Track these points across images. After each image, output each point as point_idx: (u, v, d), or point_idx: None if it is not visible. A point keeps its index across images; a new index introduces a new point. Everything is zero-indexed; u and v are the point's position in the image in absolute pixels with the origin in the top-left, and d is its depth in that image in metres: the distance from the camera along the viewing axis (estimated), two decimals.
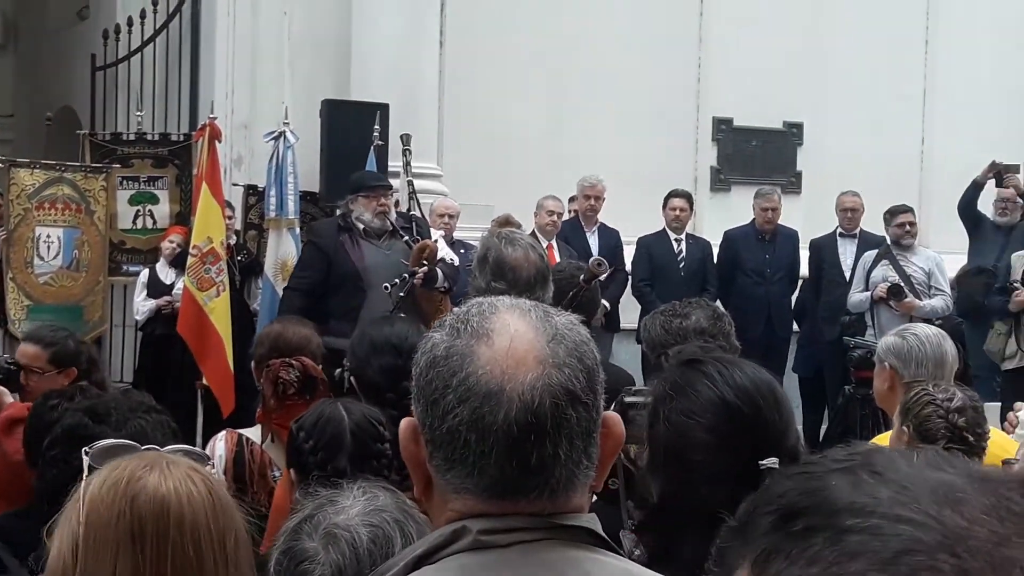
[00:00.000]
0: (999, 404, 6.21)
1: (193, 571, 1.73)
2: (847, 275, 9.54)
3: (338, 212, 7.25)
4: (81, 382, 4.26)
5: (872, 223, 9.75)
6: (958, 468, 0.81)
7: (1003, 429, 4.37)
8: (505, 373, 1.40)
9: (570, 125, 10.57)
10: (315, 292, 7.01)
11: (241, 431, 3.95)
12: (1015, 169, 9.89)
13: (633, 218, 9.74)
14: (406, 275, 6.46)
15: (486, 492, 1.41)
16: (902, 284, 8.92)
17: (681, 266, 9.70)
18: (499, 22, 10.46)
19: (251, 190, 9.63)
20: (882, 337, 4.60)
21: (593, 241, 9.65)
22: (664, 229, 9.79)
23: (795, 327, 10.05)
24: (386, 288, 6.39)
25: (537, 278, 3.68)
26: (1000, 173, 9.72)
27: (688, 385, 2.16)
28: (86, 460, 1.84)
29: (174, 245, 9.07)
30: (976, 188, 9.83)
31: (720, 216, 10.76)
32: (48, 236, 9.03)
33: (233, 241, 9.01)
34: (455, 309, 1.54)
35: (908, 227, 9.20)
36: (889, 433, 3.82)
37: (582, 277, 4.00)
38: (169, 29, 10.31)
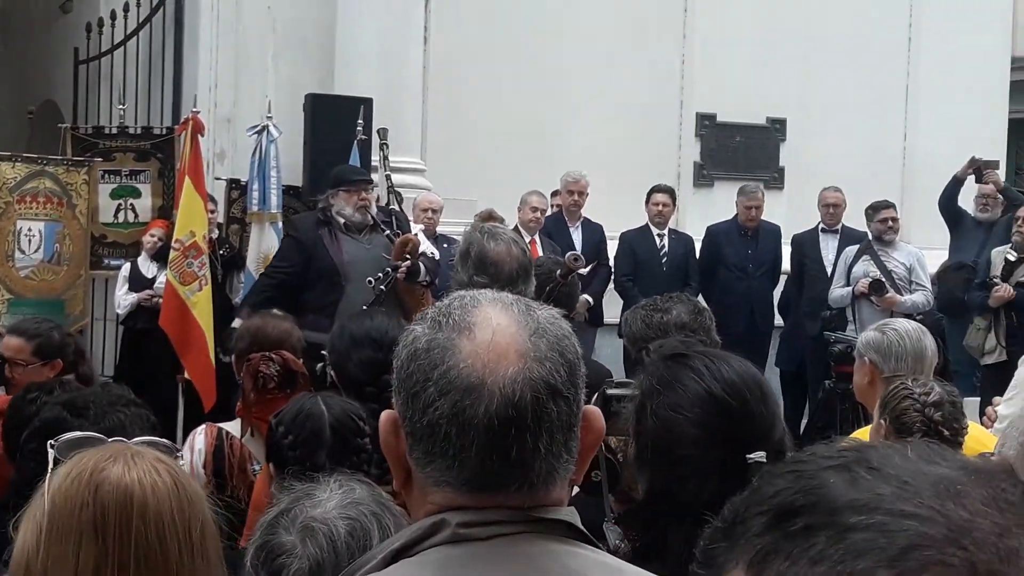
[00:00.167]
0: (978, 399, 6.25)
1: (157, 561, 1.73)
2: (829, 270, 9.58)
3: (318, 206, 7.23)
4: (68, 375, 4.26)
5: (854, 219, 9.79)
6: (951, 461, 0.82)
7: (982, 424, 4.40)
8: (486, 367, 1.40)
9: (554, 120, 10.57)
10: (289, 284, 6.98)
11: (221, 425, 3.94)
12: (995, 165, 9.94)
13: (616, 213, 9.75)
14: (389, 269, 6.45)
15: (466, 485, 1.41)
16: (883, 279, 8.96)
17: (663, 261, 9.72)
18: (483, 17, 10.45)
19: (234, 184, 9.60)
20: (862, 332, 4.62)
21: (576, 236, 9.66)
22: (647, 224, 9.80)
23: (777, 322, 10.08)
24: (370, 282, 6.39)
25: (519, 272, 3.68)
26: (980, 169, 9.76)
27: (675, 379, 2.16)
28: (52, 453, 1.82)
29: (155, 239, 9.04)
30: (956, 184, 9.87)
31: (703, 211, 10.79)
32: (29, 230, 9.00)
33: (215, 235, 8.99)
34: (437, 302, 1.54)
35: (890, 223, 9.23)
36: (869, 427, 3.84)
37: (558, 272, 4.01)
38: (152, 23, 10.27)
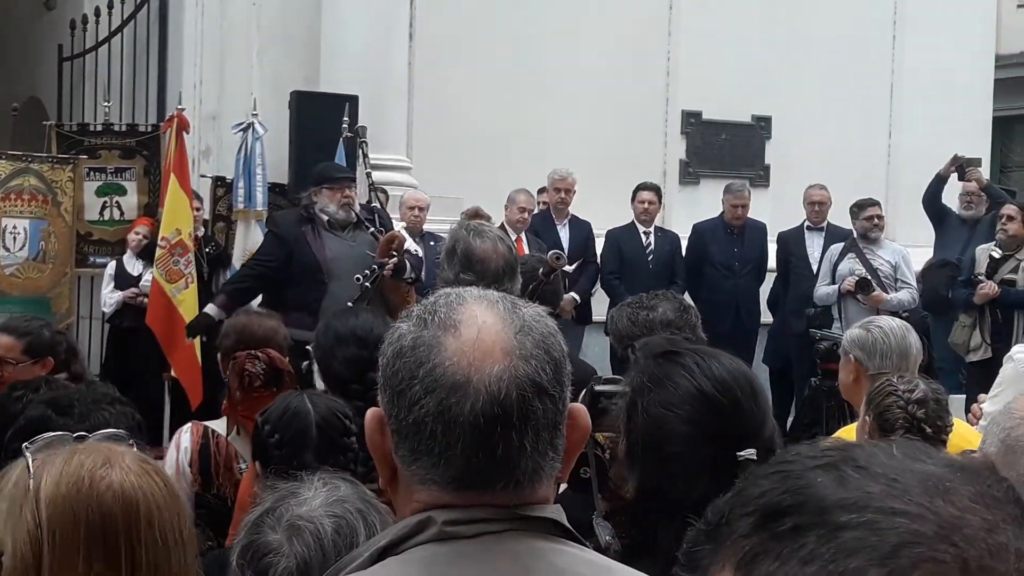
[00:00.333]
0: (964, 396, 6.27)
1: (166, 567, 1.72)
2: (814, 268, 9.60)
3: (301, 204, 7.21)
4: (61, 373, 4.24)
5: (839, 216, 9.81)
6: (936, 459, 0.82)
7: (967, 421, 4.42)
8: (472, 364, 1.40)
9: (540, 118, 10.57)
10: (268, 277, 6.97)
11: (207, 423, 3.93)
12: (976, 163, 9.97)
13: (602, 211, 9.75)
14: (375, 266, 6.45)
15: (452, 483, 1.41)
16: (869, 278, 8.98)
17: (650, 259, 9.73)
18: (469, 15, 10.44)
19: (219, 181, 9.58)
20: (848, 329, 4.63)
21: (564, 234, 9.66)
22: (633, 222, 9.81)
23: (764, 319, 10.10)
24: (358, 279, 6.38)
25: (505, 270, 3.69)
26: (962, 167, 9.81)
27: (666, 377, 2.16)
28: (29, 458, 1.78)
29: (140, 236, 9.02)
30: (939, 182, 9.91)
31: (689, 209, 10.80)
32: (14, 227, 8.97)
33: (201, 233, 8.97)
34: (423, 300, 1.54)
35: (876, 220, 9.25)
36: (854, 425, 3.85)
37: (541, 271, 4.01)
38: (137, 19, 10.23)
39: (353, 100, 8.94)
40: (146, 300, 8.48)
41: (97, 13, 10.14)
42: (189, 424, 4.00)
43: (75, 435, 1.84)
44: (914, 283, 9.22)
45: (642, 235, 9.78)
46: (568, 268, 8.47)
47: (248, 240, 8.60)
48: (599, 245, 9.78)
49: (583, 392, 2.34)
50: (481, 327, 1.43)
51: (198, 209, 8.83)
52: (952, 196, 10.02)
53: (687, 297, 6.70)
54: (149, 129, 9.67)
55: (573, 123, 10.59)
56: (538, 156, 10.06)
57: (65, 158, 9.28)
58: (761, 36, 11.18)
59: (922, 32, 11.86)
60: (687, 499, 1.91)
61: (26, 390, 3.24)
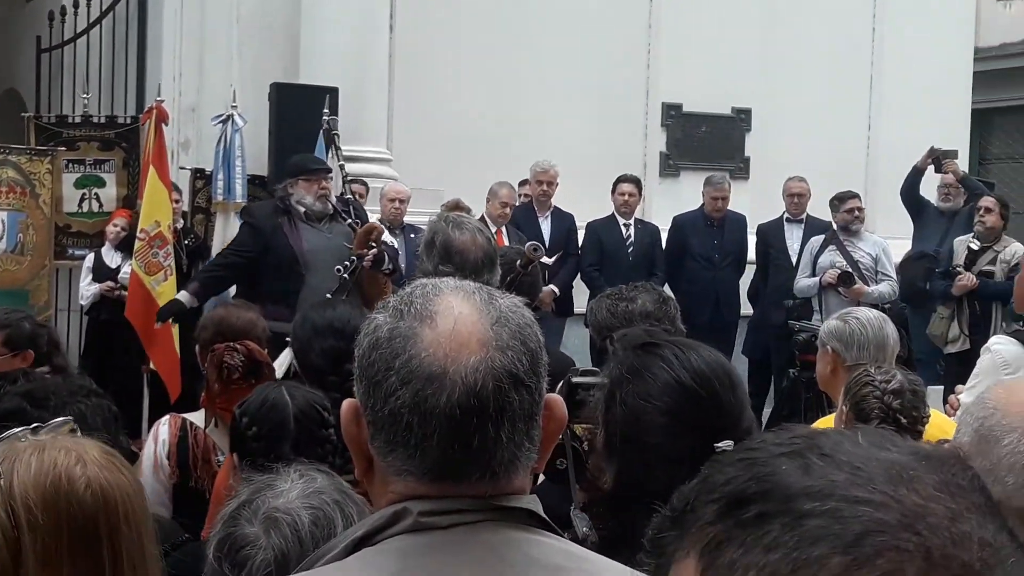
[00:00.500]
0: (942, 387, 6.30)
1: (140, 557, 1.71)
2: (794, 260, 9.63)
3: (276, 195, 7.19)
4: (43, 366, 4.23)
5: (818, 209, 9.84)
6: (901, 447, 0.82)
7: (945, 412, 4.44)
8: (448, 356, 1.40)
9: (520, 110, 10.56)
10: (241, 267, 6.95)
11: (185, 416, 3.92)
12: (953, 154, 10.01)
13: (582, 203, 9.76)
14: (355, 257, 6.43)
15: (428, 474, 1.41)
16: (851, 271, 9.00)
17: (630, 251, 9.73)
18: (449, 7, 10.42)
19: (199, 174, 9.54)
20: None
21: (545, 226, 9.64)
22: (613, 214, 9.81)
23: (744, 311, 10.13)
24: (339, 270, 6.36)
25: (485, 261, 3.68)
26: (938, 159, 9.85)
27: (645, 368, 2.17)
28: None
29: (118, 229, 8.99)
30: (917, 174, 9.95)
31: (669, 201, 10.82)
32: None
33: (180, 225, 8.94)
34: (399, 291, 1.54)
35: (856, 213, 9.27)
36: (832, 416, 3.86)
37: (519, 262, 4.01)
38: (116, 11, 10.18)
39: (333, 92, 8.91)
40: (124, 293, 8.44)
41: (76, 4, 10.09)
42: (167, 416, 3.99)
43: (31, 427, 1.81)
44: (894, 275, 9.24)
45: (622, 227, 9.78)
46: (547, 260, 8.47)
47: (227, 232, 8.57)
48: (581, 237, 9.79)
49: (560, 384, 2.35)
50: (457, 318, 1.43)
51: (177, 201, 8.79)
52: (931, 188, 10.06)
53: (667, 289, 6.71)
54: (128, 121, 9.63)
55: (553, 115, 10.58)
56: (518, 148, 10.05)
57: (43, 150, 9.23)
58: (741, 29, 11.20)
59: (901, 25, 11.90)
60: (665, 490, 1.91)
61: (3, 382, 3.23)
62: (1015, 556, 0.76)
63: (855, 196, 9.42)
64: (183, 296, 7.23)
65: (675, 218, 10.11)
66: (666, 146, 11.39)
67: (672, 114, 11.35)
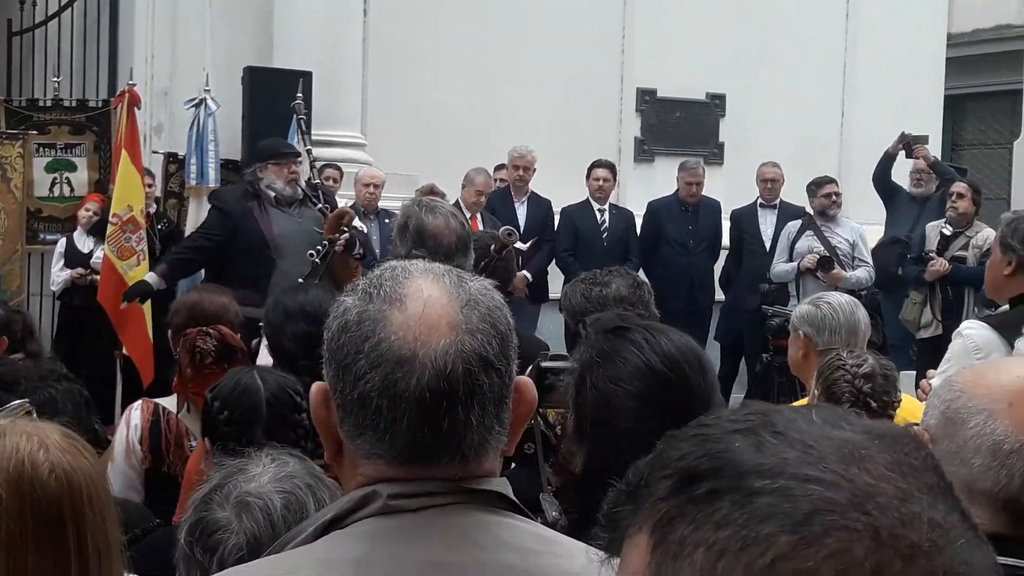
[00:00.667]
0: (914, 372, 6.33)
1: (103, 540, 1.70)
2: (767, 245, 9.65)
3: (245, 179, 7.16)
4: (17, 352, 4.21)
5: (792, 194, 9.86)
6: (855, 425, 0.82)
7: (917, 397, 4.46)
8: (418, 339, 1.39)
9: (495, 95, 10.54)
10: (209, 250, 6.93)
11: (158, 400, 3.90)
12: (924, 140, 10.05)
13: (557, 188, 9.75)
14: (326, 241, 6.41)
15: (397, 458, 1.41)
16: (830, 256, 9.02)
17: (604, 236, 9.74)
18: None
19: (171, 158, 9.50)
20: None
21: (521, 211, 9.64)
22: (587, 199, 9.81)
23: (718, 297, 10.15)
24: (311, 255, 6.35)
25: (458, 245, 3.68)
26: (909, 144, 9.88)
27: (615, 352, 2.17)
28: None
29: (91, 213, 8.94)
30: (888, 159, 9.99)
31: (643, 187, 10.82)
32: None
33: (153, 210, 8.90)
34: (368, 273, 1.53)
35: (834, 198, 9.29)
36: (805, 400, 3.88)
37: (493, 247, 4.01)
38: None
39: (307, 76, 8.87)
40: (96, 278, 8.40)
41: None
42: (140, 401, 3.97)
43: None
44: (871, 261, 9.26)
45: (597, 212, 9.79)
46: (522, 246, 8.46)
47: (200, 217, 8.51)
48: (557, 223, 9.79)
49: (529, 368, 2.35)
50: (427, 301, 1.42)
51: (150, 186, 8.75)
52: (903, 174, 10.10)
53: (641, 274, 6.72)
54: (99, 104, 9.56)
55: (528, 101, 10.57)
56: (493, 133, 10.04)
57: (14, 134, 9.17)
58: (715, 15, 11.20)
59: (875, 11, 11.93)
60: None
61: None
62: (965, 537, 0.76)
63: (832, 181, 9.45)
64: (151, 278, 7.22)
65: (650, 203, 10.12)
66: (641, 131, 11.39)
67: (646, 100, 11.35)
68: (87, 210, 9.01)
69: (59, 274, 8.98)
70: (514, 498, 1.47)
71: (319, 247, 6.36)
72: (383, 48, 10.20)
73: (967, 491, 1.77)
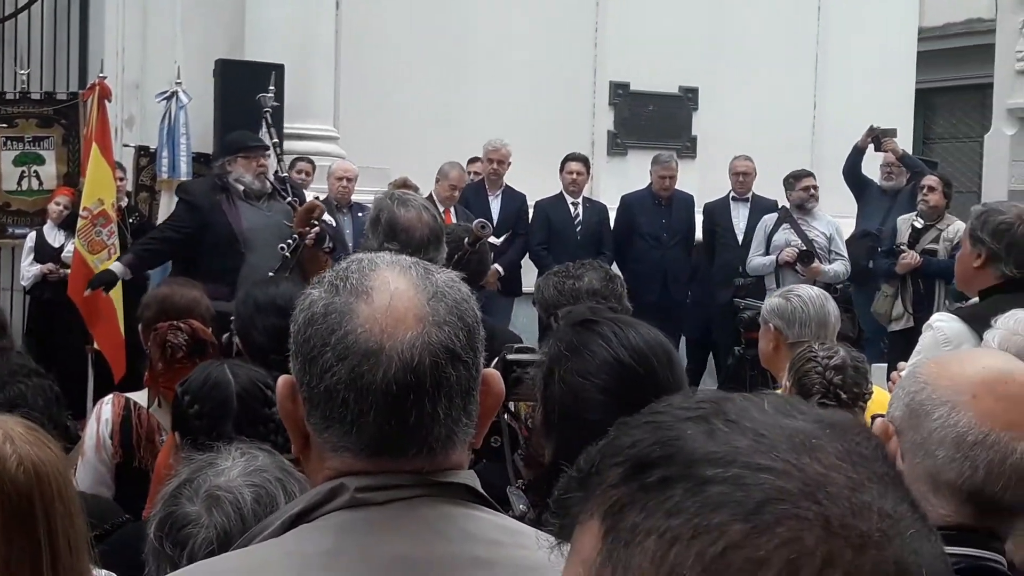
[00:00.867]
0: (886, 365, 6.37)
1: (71, 531, 1.69)
2: (739, 238, 9.68)
3: (213, 172, 7.12)
4: None
5: (765, 187, 9.90)
6: (807, 414, 0.82)
7: (888, 389, 4.49)
8: (384, 331, 1.39)
9: (468, 88, 10.53)
10: (177, 242, 6.90)
11: (128, 395, 3.88)
12: (892, 133, 10.09)
13: (530, 182, 9.75)
14: (296, 235, 6.39)
15: (364, 450, 1.41)
16: (809, 249, 9.05)
17: (578, 230, 9.74)
18: None
19: (142, 151, 9.45)
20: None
21: (495, 205, 9.62)
22: (561, 193, 9.82)
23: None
24: (282, 248, 6.32)
25: (430, 239, 3.68)
26: (878, 137, 9.92)
27: (583, 345, 2.17)
28: None
29: (60, 207, 8.89)
30: (858, 153, 10.03)
31: (617, 180, 10.84)
32: None
33: (124, 203, 8.85)
34: (335, 266, 1.53)
35: (812, 191, 9.33)
36: (777, 392, 3.89)
37: (466, 240, 4.00)
38: None
39: (279, 69, 8.82)
40: (66, 272, 8.35)
41: None
42: (110, 396, 3.94)
43: None
44: (847, 254, 9.30)
45: (570, 206, 9.79)
46: (495, 240, 8.46)
47: (171, 211, 8.49)
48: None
49: (495, 360, 2.35)
50: (394, 293, 1.42)
51: (121, 179, 8.70)
52: (874, 168, 10.15)
53: (614, 268, 6.72)
54: (67, 97, 9.50)
55: (501, 94, 10.56)
56: (466, 127, 10.03)
57: None
58: (688, 8, 11.21)
59: (847, 5, 11.99)
60: None
61: None
62: (914, 527, 0.77)
63: (810, 175, 9.48)
64: (116, 267, 7.20)
65: (623, 197, 10.13)
66: (614, 125, 11.40)
67: (619, 93, 11.37)
68: (57, 204, 8.95)
69: (29, 268, 8.91)
70: (482, 491, 1.47)
71: (289, 240, 6.33)
72: (356, 41, 10.18)
73: (932, 483, 1.78)
